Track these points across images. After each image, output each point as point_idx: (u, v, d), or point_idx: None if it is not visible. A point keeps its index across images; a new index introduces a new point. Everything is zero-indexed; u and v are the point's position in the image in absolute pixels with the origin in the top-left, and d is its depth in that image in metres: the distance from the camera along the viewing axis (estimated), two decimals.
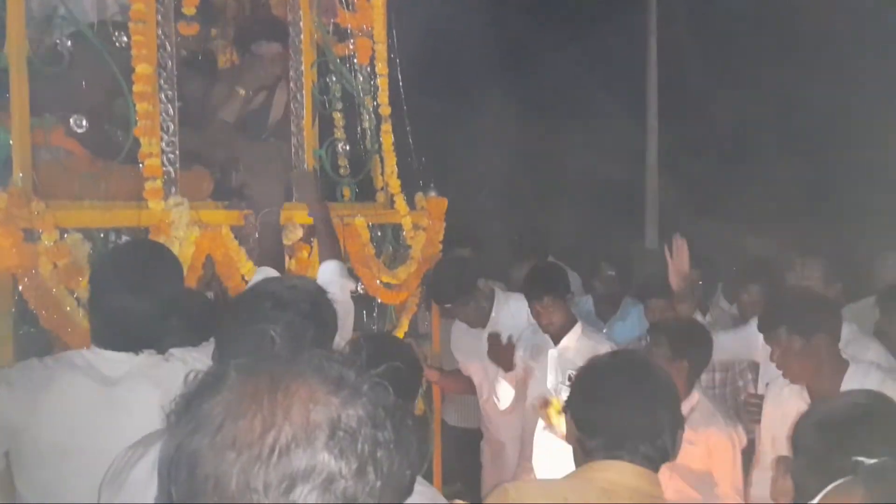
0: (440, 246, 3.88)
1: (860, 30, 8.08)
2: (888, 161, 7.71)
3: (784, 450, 2.57)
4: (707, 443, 3.07)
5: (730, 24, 9.60)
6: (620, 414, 1.82)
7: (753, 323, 3.24)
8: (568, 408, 1.95)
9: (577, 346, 3.62)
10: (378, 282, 3.60)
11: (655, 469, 1.83)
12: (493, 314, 3.94)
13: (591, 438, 1.84)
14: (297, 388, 1.02)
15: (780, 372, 2.93)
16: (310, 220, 3.39)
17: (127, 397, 2.02)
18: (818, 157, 9.00)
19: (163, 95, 3.02)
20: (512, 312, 3.93)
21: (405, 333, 3.80)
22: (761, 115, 9.49)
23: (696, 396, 3.13)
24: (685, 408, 3.01)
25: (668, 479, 3.16)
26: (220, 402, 1.02)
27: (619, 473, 1.79)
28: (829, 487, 1.00)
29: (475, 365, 4.01)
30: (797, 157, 8.87)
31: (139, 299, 2.07)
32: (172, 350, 2.15)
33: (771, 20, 9.12)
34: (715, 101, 9.21)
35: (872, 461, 1.07)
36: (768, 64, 9.27)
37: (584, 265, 4.73)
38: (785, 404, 2.92)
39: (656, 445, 1.81)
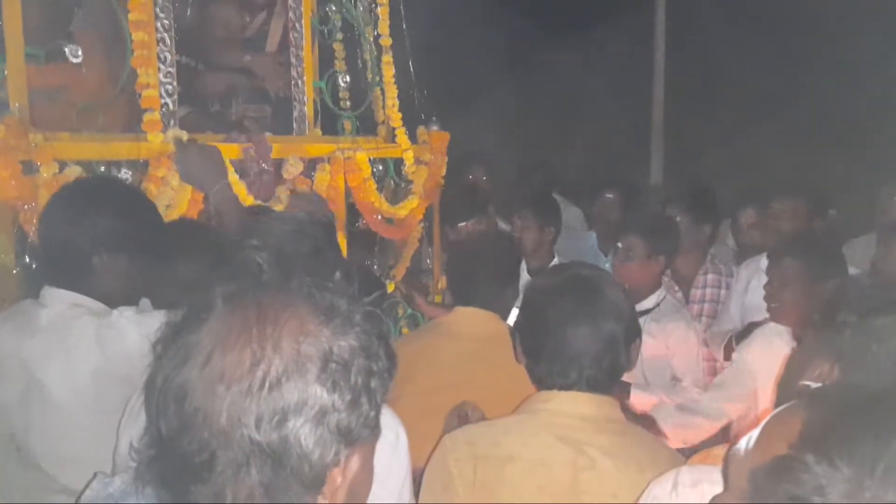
0: (443, 181, 3.85)
1: None
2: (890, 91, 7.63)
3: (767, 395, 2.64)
4: (668, 337, 3.31)
5: None
6: (564, 337, 1.72)
7: None
8: (515, 332, 1.87)
9: None
10: (379, 217, 3.59)
11: (607, 390, 1.75)
12: None
13: (537, 364, 1.77)
14: (286, 320, 1.00)
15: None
16: (311, 153, 3.37)
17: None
18: (821, 98, 8.89)
19: (159, 24, 2.96)
20: None
21: (407, 269, 3.80)
22: (767, 54, 9.35)
23: (662, 292, 3.41)
24: (651, 302, 3.37)
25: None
26: (207, 333, 1.00)
27: (563, 403, 1.71)
28: (774, 412, 1.00)
29: None
30: (802, 96, 8.77)
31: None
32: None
33: None
34: (722, 37, 9.05)
35: (817, 385, 1.06)
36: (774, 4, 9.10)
37: (588, 201, 4.71)
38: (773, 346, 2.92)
39: (603, 367, 1.71)
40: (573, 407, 1.70)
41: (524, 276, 3.63)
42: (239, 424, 0.96)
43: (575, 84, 8.74)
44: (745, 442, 1.02)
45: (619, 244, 3.44)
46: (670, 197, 4.45)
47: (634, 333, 1.80)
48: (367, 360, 1.03)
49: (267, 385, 0.96)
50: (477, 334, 2.47)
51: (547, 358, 1.74)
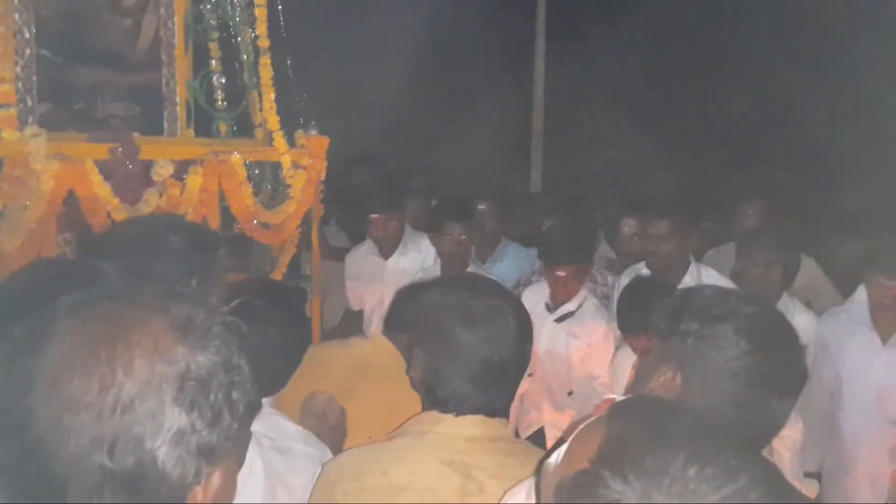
0: (321, 186, 3.79)
1: None
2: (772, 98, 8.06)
3: None
4: (590, 335, 3.58)
5: None
6: (456, 352, 1.65)
7: None
8: (408, 346, 1.79)
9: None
10: (255, 221, 3.50)
11: (500, 411, 1.70)
12: (400, 247, 3.98)
13: (427, 380, 1.70)
14: (138, 338, 0.94)
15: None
16: (183, 155, 3.25)
17: None
18: (702, 106, 9.29)
19: (17, 16, 2.79)
20: (421, 249, 3.98)
21: (284, 275, 3.72)
22: (648, 61, 9.70)
23: (583, 293, 3.66)
24: (573, 305, 3.62)
25: (550, 365, 3.63)
26: (51, 354, 0.92)
27: (452, 425, 1.66)
28: (581, 426, 1.03)
29: (371, 292, 4.01)
30: (683, 102, 9.14)
31: None
32: None
33: None
34: (603, 43, 9.34)
35: (622, 398, 1.10)
36: (653, 9, 9.43)
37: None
38: None
39: (498, 392, 1.67)
40: (461, 429, 1.65)
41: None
42: (90, 453, 0.89)
43: (455, 89, 8.83)
44: (555, 456, 1.04)
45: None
46: (549, 207, 4.55)
47: (526, 359, 1.75)
48: (228, 374, 0.99)
49: (119, 410, 0.90)
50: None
51: (438, 375, 1.68)
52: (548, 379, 3.71)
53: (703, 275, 3.55)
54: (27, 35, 2.83)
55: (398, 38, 7.95)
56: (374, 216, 3.94)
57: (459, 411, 1.66)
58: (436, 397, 1.69)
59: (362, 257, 4.15)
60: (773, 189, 5.66)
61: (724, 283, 3.49)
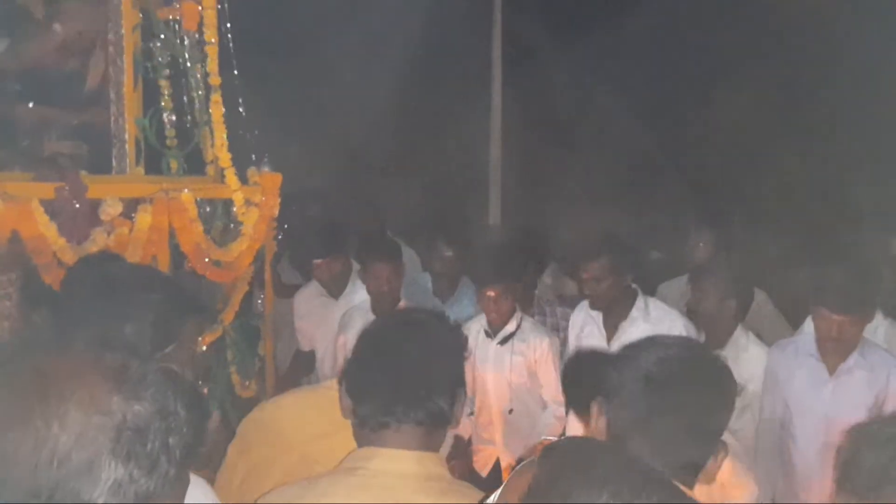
0: (274, 223, 3.77)
1: None
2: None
3: None
4: (534, 351, 3.68)
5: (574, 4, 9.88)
6: (387, 376, 1.64)
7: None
8: (343, 378, 1.76)
9: None
10: (207, 259, 3.46)
11: (434, 437, 1.68)
12: (349, 286, 3.95)
13: (360, 405, 1.66)
14: (73, 390, 0.93)
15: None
16: (132, 193, 3.21)
17: None
18: (659, 137, 9.44)
19: None
20: None
21: (236, 313, 3.68)
22: (603, 94, 9.85)
23: (519, 314, 3.75)
24: (512, 325, 3.71)
25: (494, 385, 3.72)
26: None
27: (385, 461, 1.62)
28: (517, 466, 1.06)
29: (323, 332, 3.96)
30: (641, 137, 9.28)
31: None
32: None
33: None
34: (558, 78, 9.46)
35: (553, 439, 1.15)
36: (608, 42, 9.59)
37: (422, 242, 4.74)
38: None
39: (429, 409, 1.63)
40: (394, 465, 1.61)
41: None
42: (31, 497, 0.90)
43: (411, 120, 8.86)
44: (493, 496, 1.06)
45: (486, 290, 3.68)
46: (503, 240, 4.56)
47: (458, 384, 1.73)
48: (164, 421, 0.99)
49: (55, 463, 0.90)
50: None
51: (368, 406, 1.66)
52: (494, 403, 3.74)
53: (651, 307, 3.58)
54: None
55: (351, 69, 7.98)
56: (318, 261, 3.89)
57: (390, 441, 1.62)
58: (364, 427, 1.65)
59: (311, 297, 4.10)
60: (723, 220, 5.75)
61: (672, 315, 3.55)
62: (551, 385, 3.69)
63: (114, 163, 3.36)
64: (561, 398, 3.67)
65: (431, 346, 1.70)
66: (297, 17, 6.68)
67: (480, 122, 10.16)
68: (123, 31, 3.29)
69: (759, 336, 3.64)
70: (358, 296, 3.82)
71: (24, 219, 2.80)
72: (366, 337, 1.78)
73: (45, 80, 3.33)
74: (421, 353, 1.68)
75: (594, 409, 1.48)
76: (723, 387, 1.55)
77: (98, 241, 3.01)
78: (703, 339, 3.50)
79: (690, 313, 3.54)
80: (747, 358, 3.41)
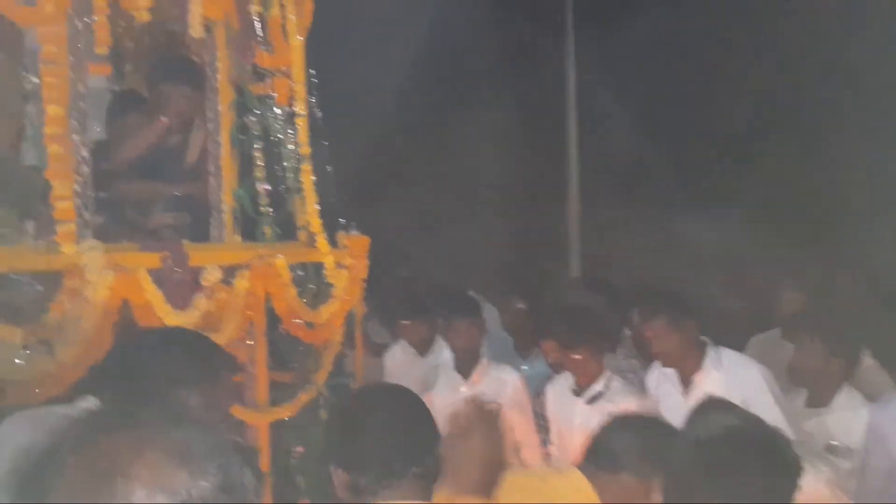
0: (363, 284, 3.88)
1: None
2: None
3: None
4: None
5: (647, 52, 9.88)
6: (386, 440, 1.79)
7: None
8: (330, 460, 1.87)
9: (485, 381, 3.75)
10: (300, 321, 3.58)
11: (430, 488, 1.80)
12: (434, 344, 4.03)
13: (361, 475, 1.78)
14: (137, 471, 0.94)
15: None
16: (230, 260, 3.37)
17: None
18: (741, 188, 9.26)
19: (76, 137, 2.96)
20: None
21: (329, 373, 3.78)
22: (679, 144, 9.76)
23: (607, 373, 3.68)
24: (601, 385, 3.62)
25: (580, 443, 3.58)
26: (55, 493, 0.94)
27: None
28: None
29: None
30: (721, 188, 9.11)
31: None
32: None
33: (682, 49, 9.39)
34: (635, 126, 9.44)
35: None
36: (686, 92, 9.53)
37: (502, 299, 4.80)
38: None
39: (427, 464, 1.79)
40: None
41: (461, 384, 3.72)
42: None
43: (489, 176, 8.97)
44: None
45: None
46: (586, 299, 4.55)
47: (437, 437, 1.87)
48: (231, 495, 0.99)
49: None
50: None
51: (373, 462, 1.78)
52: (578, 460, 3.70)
53: (724, 357, 3.50)
54: (84, 154, 3.00)
55: (427, 136, 8.18)
56: (403, 323, 4.02)
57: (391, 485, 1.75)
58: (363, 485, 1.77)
59: (400, 355, 4.21)
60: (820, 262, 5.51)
61: (747, 364, 3.47)
62: None
63: (212, 231, 3.53)
64: None
65: (408, 411, 1.87)
66: (376, 88, 6.94)
67: (558, 174, 10.19)
68: (221, 108, 3.50)
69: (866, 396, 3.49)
70: (444, 354, 3.88)
71: (133, 287, 2.96)
72: (347, 414, 1.95)
73: (149, 157, 3.55)
74: (403, 417, 1.85)
75: (651, 486, 1.51)
76: (784, 470, 1.57)
77: (199, 306, 3.16)
78: (802, 396, 3.41)
79: (792, 373, 3.42)
80: (855, 419, 3.29)
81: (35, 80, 2.95)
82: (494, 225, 8.75)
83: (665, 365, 3.59)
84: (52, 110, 2.83)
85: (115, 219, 3.34)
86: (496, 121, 8.41)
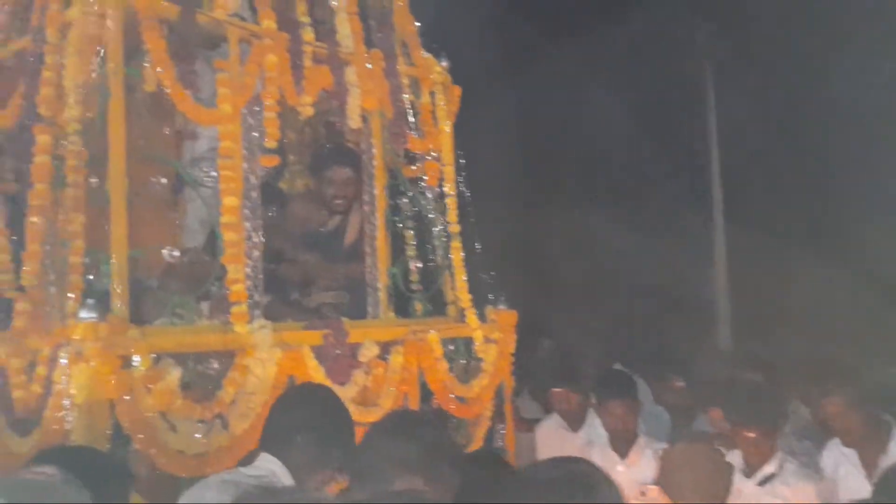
0: (511, 358, 3.93)
1: None
2: None
3: None
4: (795, 497, 3.33)
5: (788, 109, 9.62)
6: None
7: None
8: None
9: (643, 461, 3.66)
10: (451, 396, 3.66)
11: None
12: (588, 418, 4.02)
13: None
14: None
15: None
16: (385, 336, 3.50)
17: None
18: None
19: (248, 224, 3.21)
20: None
21: (480, 447, 3.81)
22: (827, 208, 9.38)
23: (780, 455, 3.44)
24: (773, 466, 3.41)
25: None
26: None
27: None
28: None
29: None
30: (880, 246, 8.65)
31: None
32: None
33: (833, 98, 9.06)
34: (781, 194, 9.15)
35: None
36: (836, 150, 9.19)
37: (654, 374, 4.70)
38: None
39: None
40: None
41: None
42: None
43: (635, 247, 8.88)
44: None
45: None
46: (734, 363, 4.39)
47: None
48: None
49: None
50: None
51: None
52: None
53: None
54: (255, 239, 3.24)
55: (573, 212, 8.24)
56: (556, 390, 4.03)
57: None
58: None
59: (552, 430, 4.20)
60: None
61: None
62: None
63: (369, 308, 3.69)
64: None
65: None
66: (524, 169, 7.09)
67: (704, 242, 9.96)
68: (376, 191, 3.71)
69: None
70: (598, 431, 3.84)
71: (298, 364, 3.14)
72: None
73: (310, 238, 3.78)
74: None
75: None
76: None
77: (358, 381, 3.30)
78: None
79: None
80: None
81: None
82: (641, 296, 8.63)
83: (846, 444, 3.40)
84: (228, 201, 3.09)
85: (281, 299, 3.55)
86: (640, 194, 8.39)
